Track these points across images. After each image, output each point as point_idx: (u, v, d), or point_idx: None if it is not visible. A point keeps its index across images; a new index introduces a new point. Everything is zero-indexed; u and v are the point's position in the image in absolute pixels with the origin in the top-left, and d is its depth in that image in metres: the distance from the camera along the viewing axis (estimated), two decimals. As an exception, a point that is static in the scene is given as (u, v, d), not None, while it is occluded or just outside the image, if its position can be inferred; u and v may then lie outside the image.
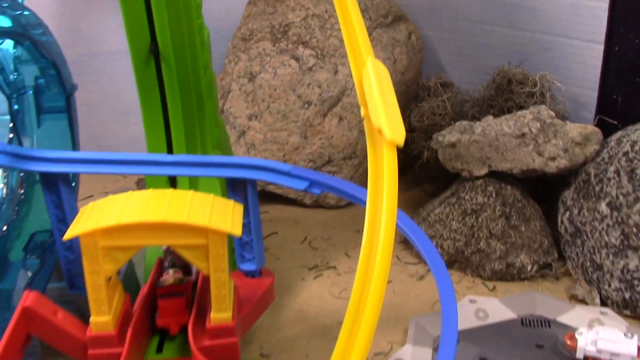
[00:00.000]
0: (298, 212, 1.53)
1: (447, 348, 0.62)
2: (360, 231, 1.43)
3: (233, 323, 0.85)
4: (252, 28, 1.48)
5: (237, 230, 0.81)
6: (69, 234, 0.79)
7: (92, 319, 0.83)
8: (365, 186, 0.69)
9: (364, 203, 0.84)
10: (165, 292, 0.91)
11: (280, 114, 1.44)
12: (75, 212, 0.97)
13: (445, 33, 1.62)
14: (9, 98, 1.09)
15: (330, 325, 1.14)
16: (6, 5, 0.96)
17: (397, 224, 0.87)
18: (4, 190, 1.08)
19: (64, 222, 0.96)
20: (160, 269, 1.00)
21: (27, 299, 0.84)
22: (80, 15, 1.68)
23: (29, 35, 1.00)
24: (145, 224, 0.79)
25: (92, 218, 0.81)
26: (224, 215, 0.82)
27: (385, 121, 0.54)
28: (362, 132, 1.47)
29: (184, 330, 0.92)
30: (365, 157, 1.48)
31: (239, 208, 0.86)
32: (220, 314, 0.85)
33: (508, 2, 1.47)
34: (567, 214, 1.24)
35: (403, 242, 1.38)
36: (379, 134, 0.55)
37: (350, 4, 0.65)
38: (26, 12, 1.02)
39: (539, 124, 1.21)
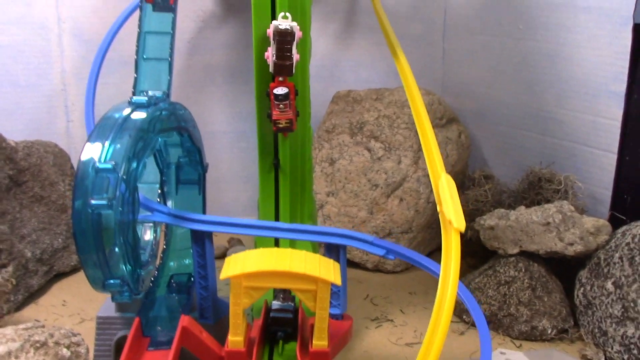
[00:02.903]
0: (361, 274, 1.86)
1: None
2: (412, 293, 1.76)
3: (328, 349, 1.18)
4: (335, 123, 1.86)
5: (338, 281, 1.15)
6: (223, 276, 1.14)
7: (229, 338, 1.17)
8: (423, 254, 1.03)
9: (425, 267, 1.19)
10: None
11: (352, 193, 1.80)
12: (212, 261, 1.33)
13: (489, 134, 1.97)
14: (161, 172, 1.47)
15: (390, 364, 1.46)
16: (178, 107, 1.35)
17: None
18: (154, 241, 1.45)
19: (204, 267, 1.31)
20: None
21: (184, 320, 1.19)
22: (193, 101, 2.08)
23: (187, 128, 1.39)
24: (276, 272, 1.13)
25: (237, 266, 1.15)
26: (328, 270, 1.16)
27: (454, 216, 0.88)
28: (417, 211, 1.81)
29: (288, 353, 1.25)
30: (420, 232, 1.82)
31: (337, 266, 1.20)
32: (319, 341, 1.17)
33: (540, 114, 1.83)
34: (582, 289, 1.55)
35: (447, 303, 1.70)
36: (450, 223, 0.89)
37: (429, 133, 1.00)
38: (184, 111, 1.41)
39: (561, 216, 1.54)
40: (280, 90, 1.22)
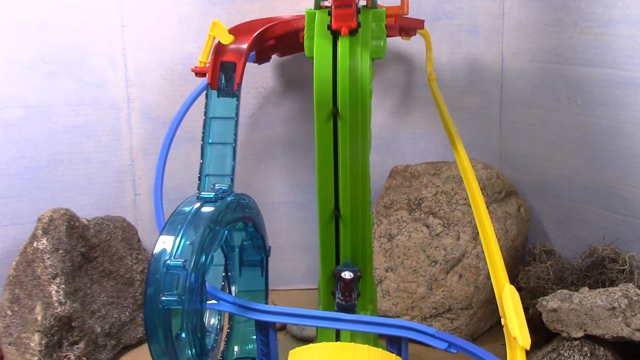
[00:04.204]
0: (418, 349, 1.85)
1: None
2: (473, 371, 1.74)
3: None
4: (393, 199, 1.88)
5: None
6: (288, 376, 1.17)
7: None
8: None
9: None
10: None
11: (411, 269, 1.81)
12: (276, 349, 1.35)
13: (549, 207, 1.96)
14: (225, 256, 1.52)
15: None
16: (243, 197, 1.40)
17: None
18: (218, 326, 1.49)
19: (268, 355, 1.34)
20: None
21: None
22: (253, 173, 2.15)
23: (251, 217, 1.44)
24: (339, 372, 1.15)
25: (300, 363, 1.18)
26: (391, 367, 1.18)
27: (519, 333, 0.89)
28: (477, 287, 1.80)
29: None
30: (480, 308, 1.81)
31: (399, 360, 1.21)
32: None
33: (602, 189, 1.81)
34: (651, 376, 1.50)
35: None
36: (514, 339, 0.89)
37: (494, 243, 1.02)
38: (249, 200, 1.46)
39: (626, 301, 1.51)
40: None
